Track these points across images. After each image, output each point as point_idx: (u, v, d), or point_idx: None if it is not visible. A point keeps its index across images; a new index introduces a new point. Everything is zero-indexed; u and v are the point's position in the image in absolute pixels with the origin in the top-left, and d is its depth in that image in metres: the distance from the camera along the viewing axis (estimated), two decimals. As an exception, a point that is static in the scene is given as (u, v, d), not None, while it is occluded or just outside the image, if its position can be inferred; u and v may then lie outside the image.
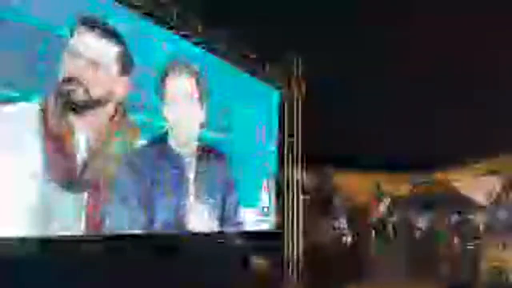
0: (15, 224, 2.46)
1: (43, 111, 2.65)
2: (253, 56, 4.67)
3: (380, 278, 6.11)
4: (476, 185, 8.70)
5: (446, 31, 4.99)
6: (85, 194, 2.85)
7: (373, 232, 7.82)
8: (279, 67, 5.16)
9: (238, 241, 4.28)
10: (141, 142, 3.35)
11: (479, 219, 7.90)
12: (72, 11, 2.83)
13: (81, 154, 2.84)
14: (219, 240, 4.08)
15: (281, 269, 4.96)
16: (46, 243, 2.58)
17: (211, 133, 4.06)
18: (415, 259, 6.79)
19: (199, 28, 3.95)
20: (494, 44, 5.22)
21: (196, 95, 3.82)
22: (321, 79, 5.15)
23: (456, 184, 8.95)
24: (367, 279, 5.92)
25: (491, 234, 7.50)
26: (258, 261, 4.51)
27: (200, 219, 3.84)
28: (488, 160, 8.62)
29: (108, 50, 3.04)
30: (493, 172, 8.61)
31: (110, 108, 3.07)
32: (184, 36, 3.83)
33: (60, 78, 2.74)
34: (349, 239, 6.93)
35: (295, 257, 5.08)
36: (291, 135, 5.28)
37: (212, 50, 4.12)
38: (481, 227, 7.71)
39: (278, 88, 5.23)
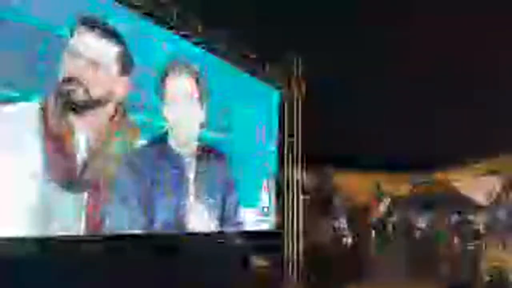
0: (15, 224, 2.46)
1: (43, 110, 2.65)
2: (253, 56, 4.67)
3: (380, 278, 6.10)
4: (476, 185, 8.70)
5: (446, 31, 4.99)
6: (85, 194, 2.85)
7: (373, 232, 7.82)
8: (279, 67, 5.16)
9: (238, 241, 4.28)
10: (141, 142, 3.34)
11: (479, 219, 7.90)
12: (72, 11, 2.83)
13: (81, 154, 2.84)
14: (219, 240, 4.07)
15: (281, 269, 4.96)
16: (46, 243, 2.58)
17: (211, 133, 4.06)
18: (415, 259, 6.79)
19: (199, 28, 3.95)
20: (494, 44, 5.22)
21: (196, 95, 3.82)
22: (321, 79, 5.15)
23: (456, 184, 8.95)
24: (367, 279, 5.91)
25: (491, 234, 7.50)
26: (258, 261, 4.51)
27: (200, 219, 3.83)
28: (488, 160, 8.62)
29: (108, 50, 3.04)
30: (493, 172, 8.61)
31: (110, 108, 3.07)
32: (184, 36, 3.83)
33: (60, 78, 2.74)
34: (349, 239, 6.93)
35: (295, 257, 5.08)
36: (291, 135, 5.28)
37: (212, 50, 4.12)
38: (481, 227, 7.71)
39: (278, 88, 5.22)
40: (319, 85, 5.24)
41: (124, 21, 3.18)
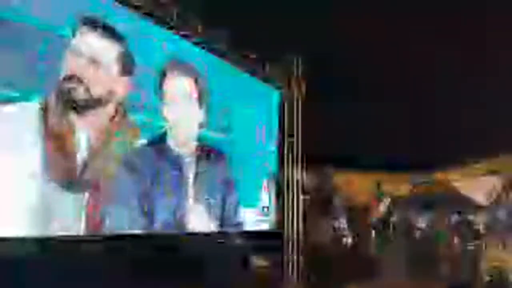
0: (15, 224, 2.46)
1: (44, 110, 2.65)
2: (253, 56, 4.67)
3: (380, 278, 6.10)
4: (476, 185, 8.70)
5: (447, 31, 5.00)
6: (85, 194, 2.85)
7: (373, 232, 7.82)
8: (279, 67, 5.16)
9: (238, 241, 4.28)
10: (141, 142, 3.34)
11: (479, 219, 7.89)
12: (72, 10, 2.83)
13: (81, 154, 2.84)
14: (219, 240, 4.07)
15: (281, 269, 4.96)
16: (46, 243, 2.58)
17: (211, 133, 4.06)
18: (415, 259, 6.79)
19: (199, 28, 3.95)
20: (494, 44, 5.22)
21: (195, 95, 3.82)
22: (321, 79, 5.16)
23: (456, 184, 8.94)
24: (367, 279, 5.91)
25: (491, 234, 7.50)
26: (258, 261, 4.51)
27: (200, 219, 3.83)
28: (488, 160, 8.62)
29: (109, 50, 3.04)
30: (493, 172, 8.60)
31: (110, 108, 3.07)
32: (184, 36, 3.83)
33: (61, 77, 2.74)
34: (349, 239, 6.93)
35: (295, 257, 5.08)
36: (291, 135, 5.28)
37: (212, 50, 4.12)
38: (481, 227, 7.71)
39: (278, 88, 5.22)
40: (319, 85, 5.24)
41: (124, 21, 3.18)
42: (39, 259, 2.49)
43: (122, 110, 3.16)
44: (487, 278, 6.20)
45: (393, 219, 8.29)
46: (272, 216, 4.98)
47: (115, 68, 3.07)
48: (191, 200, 3.75)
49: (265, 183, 4.92)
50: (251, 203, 4.63)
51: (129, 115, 3.23)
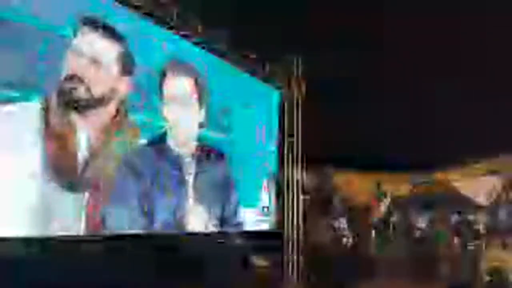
0: (15, 224, 2.46)
1: (45, 110, 2.65)
2: (253, 56, 4.67)
3: (380, 278, 6.10)
4: (476, 185, 8.70)
5: (447, 31, 5.00)
6: (85, 194, 2.85)
7: (373, 232, 7.82)
8: (279, 67, 5.16)
9: (238, 241, 4.28)
10: (141, 142, 3.35)
11: (479, 219, 7.89)
12: (73, 10, 2.83)
13: (82, 154, 2.84)
14: (219, 240, 4.07)
15: (281, 269, 4.96)
16: (46, 243, 2.58)
17: (211, 133, 4.06)
18: (415, 259, 6.79)
19: (199, 28, 3.94)
20: (495, 44, 5.22)
21: (195, 95, 3.82)
22: (321, 79, 5.16)
23: (456, 184, 8.94)
24: (367, 279, 5.91)
25: (491, 234, 7.50)
26: (258, 261, 4.51)
27: (200, 219, 3.83)
28: (488, 160, 8.61)
29: (110, 50, 3.04)
30: (493, 172, 8.60)
31: (111, 107, 3.07)
32: (184, 36, 3.83)
33: (62, 76, 2.74)
34: (349, 239, 6.93)
35: (295, 257, 5.08)
36: (291, 135, 5.28)
37: (212, 50, 4.12)
38: (481, 227, 7.71)
39: (278, 88, 5.23)
40: (319, 85, 5.24)
41: (124, 21, 3.18)
42: (39, 259, 2.49)
43: (123, 110, 3.16)
44: (487, 278, 6.20)
45: (393, 219, 8.29)
46: (272, 216, 4.98)
47: (115, 68, 3.07)
48: (191, 200, 3.75)
49: (265, 183, 4.92)
50: (251, 203, 4.63)
51: (129, 115, 3.23)
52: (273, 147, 5.12)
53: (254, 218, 4.65)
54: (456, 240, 7.35)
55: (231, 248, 4.23)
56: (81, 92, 2.81)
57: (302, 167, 5.32)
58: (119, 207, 3.06)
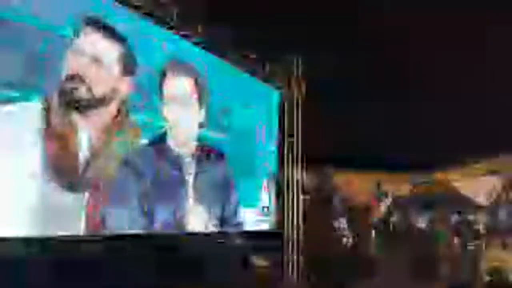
0: (15, 224, 2.46)
1: (46, 110, 2.65)
2: (253, 56, 4.67)
3: (380, 278, 6.10)
4: (476, 185, 8.71)
5: (447, 31, 4.99)
6: (86, 194, 2.85)
7: (373, 232, 7.82)
8: (279, 67, 5.16)
9: (238, 241, 4.28)
10: (141, 142, 3.35)
11: (479, 219, 7.90)
12: (73, 10, 2.83)
13: (83, 154, 2.84)
14: (219, 240, 4.07)
15: (281, 269, 4.96)
16: (46, 243, 2.58)
17: (211, 133, 4.06)
18: (415, 259, 6.79)
19: (199, 28, 3.95)
20: (494, 45, 5.22)
21: (195, 95, 3.82)
22: (321, 79, 5.16)
23: (456, 184, 8.95)
24: (367, 279, 5.91)
25: (491, 234, 7.51)
26: (258, 261, 4.51)
27: (200, 219, 3.83)
28: (488, 160, 8.62)
29: (111, 50, 3.04)
30: (493, 172, 8.61)
31: (112, 107, 3.07)
32: (184, 36, 3.83)
33: (63, 76, 2.74)
34: (350, 239, 6.93)
35: (295, 257, 5.08)
36: (291, 135, 5.28)
37: (212, 50, 4.12)
38: (481, 227, 7.71)
39: (278, 88, 5.22)
40: (319, 85, 5.24)
41: (124, 21, 3.18)
42: (39, 259, 2.49)
43: (124, 110, 3.16)
44: (487, 278, 6.20)
45: (393, 219, 8.29)
46: (272, 216, 4.99)
47: (117, 68, 3.07)
48: (191, 200, 3.75)
49: (265, 183, 4.92)
50: (251, 203, 4.63)
51: (130, 115, 3.23)
52: (273, 147, 5.12)
53: (254, 218, 4.65)
54: (456, 240, 7.35)
55: (231, 248, 4.23)
56: (82, 92, 2.81)
57: (302, 167, 5.32)
58: (119, 207, 3.07)
